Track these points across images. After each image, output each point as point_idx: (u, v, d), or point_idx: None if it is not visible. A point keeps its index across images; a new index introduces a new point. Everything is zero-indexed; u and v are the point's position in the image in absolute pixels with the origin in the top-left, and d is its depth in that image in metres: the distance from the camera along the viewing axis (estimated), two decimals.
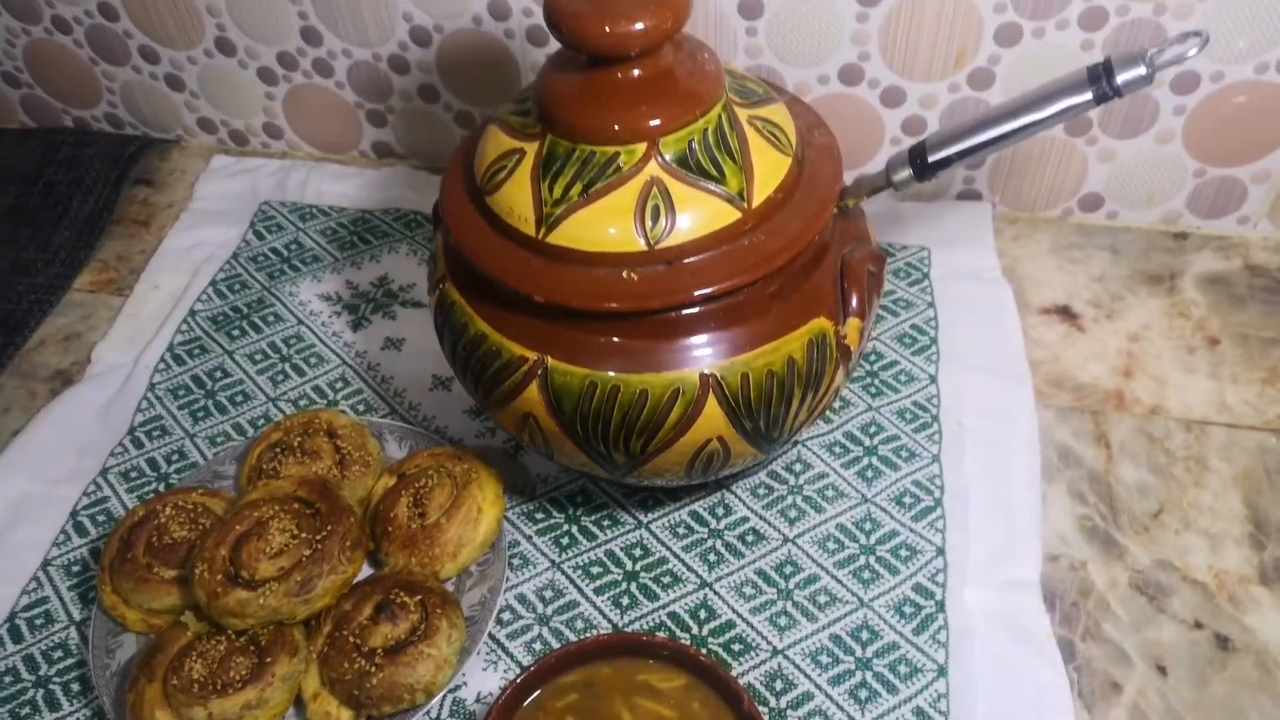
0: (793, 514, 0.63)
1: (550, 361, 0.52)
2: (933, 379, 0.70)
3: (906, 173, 0.53)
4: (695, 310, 0.50)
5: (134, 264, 0.85)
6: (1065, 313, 0.75)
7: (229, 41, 0.87)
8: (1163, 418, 0.68)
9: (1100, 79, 0.47)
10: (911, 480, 0.65)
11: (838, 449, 0.67)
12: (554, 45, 0.79)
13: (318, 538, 0.57)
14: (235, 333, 0.77)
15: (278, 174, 0.91)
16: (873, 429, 0.68)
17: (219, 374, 0.75)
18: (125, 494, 0.68)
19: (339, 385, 0.73)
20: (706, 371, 0.51)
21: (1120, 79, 0.47)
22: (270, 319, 0.78)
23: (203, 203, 0.89)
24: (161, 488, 0.68)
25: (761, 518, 0.64)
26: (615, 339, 0.51)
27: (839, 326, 0.54)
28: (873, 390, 0.70)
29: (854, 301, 0.54)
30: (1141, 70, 0.46)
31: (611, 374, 0.51)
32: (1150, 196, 0.79)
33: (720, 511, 0.64)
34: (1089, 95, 0.48)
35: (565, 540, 0.63)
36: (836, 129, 0.79)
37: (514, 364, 0.53)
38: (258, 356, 0.76)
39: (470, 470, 0.61)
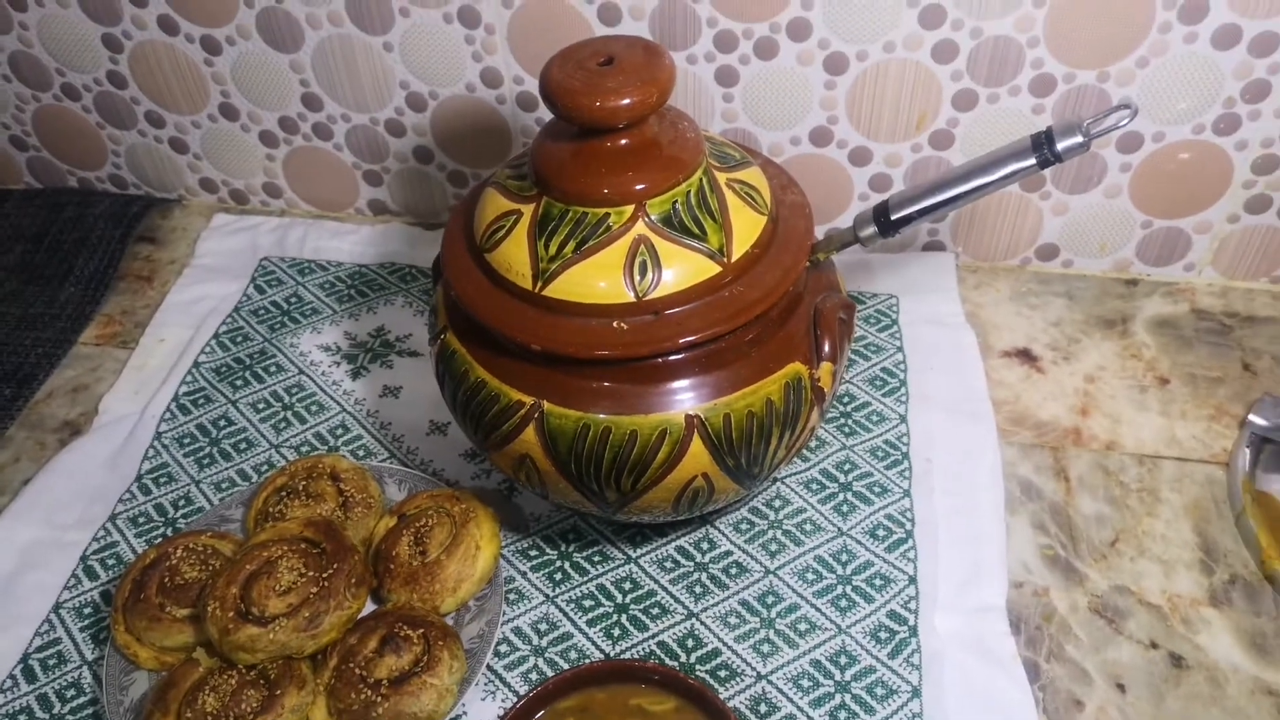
0: (773, 547, 0.67)
1: (546, 405, 0.56)
2: (903, 419, 0.75)
3: (872, 229, 0.58)
4: (680, 356, 0.55)
5: (139, 318, 0.88)
6: (1025, 355, 0.80)
7: (233, 107, 0.92)
8: (1117, 452, 0.73)
9: (1043, 146, 0.53)
10: (884, 514, 0.69)
11: (815, 485, 0.71)
12: (543, 109, 0.84)
13: (324, 575, 0.60)
14: (238, 383, 0.81)
15: (277, 231, 0.95)
16: (847, 466, 0.72)
17: (223, 422, 0.78)
18: (134, 539, 0.71)
19: (339, 431, 0.77)
20: (691, 413, 0.55)
21: (1060, 146, 0.52)
22: (272, 369, 0.82)
23: (205, 259, 0.93)
24: (169, 532, 0.71)
25: (744, 551, 0.67)
26: (607, 384, 0.55)
27: (813, 370, 0.58)
28: (846, 430, 0.74)
29: (826, 346, 0.59)
30: (1079, 138, 0.52)
31: (603, 416, 0.55)
32: (1102, 246, 0.85)
33: (705, 546, 0.68)
34: (1033, 160, 0.53)
35: (558, 575, 0.67)
36: (808, 187, 0.85)
37: (512, 408, 0.57)
38: (260, 405, 0.79)
39: (468, 510, 0.65)
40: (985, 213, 0.84)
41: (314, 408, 0.79)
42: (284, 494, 0.67)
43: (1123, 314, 0.83)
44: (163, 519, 0.72)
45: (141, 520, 0.72)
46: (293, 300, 0.88)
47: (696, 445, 0.55)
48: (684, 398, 0.55)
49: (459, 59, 0.83)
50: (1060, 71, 0.75)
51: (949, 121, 0.79)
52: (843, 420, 0.75)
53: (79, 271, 0.93)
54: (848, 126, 0.81)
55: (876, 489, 0.70)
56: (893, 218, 0.57)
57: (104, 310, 0.90)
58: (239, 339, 0.85)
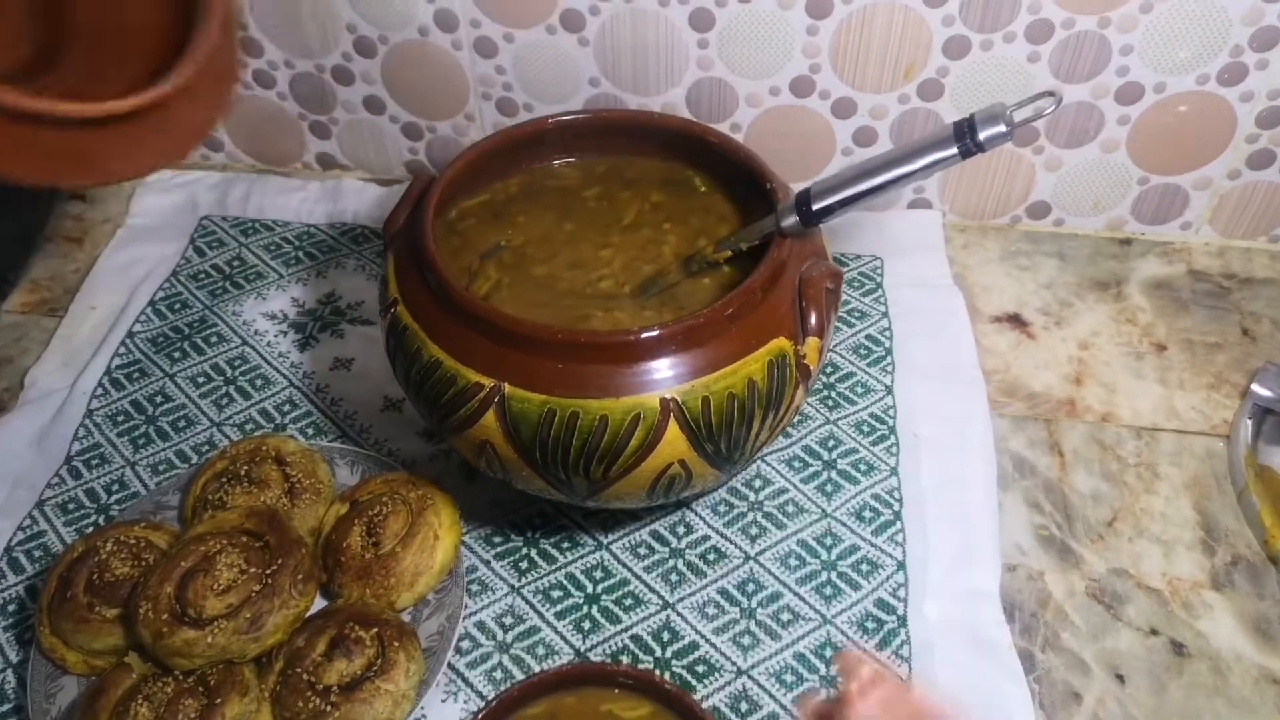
0: (754, 531, 0.63)
1: (507, 388, 0.51)
2: (888, 390, 0.71)
3: (793, 219, 0.54)
4: (654, 334, 0.50)
5: (68, 283, 0.82)
6: (1016, 320, 0.76)
7: None
8: (1114, 425, 0.69)
9: (965, 135, 0.49)
10: (870, 494, 0.65)
11: (797, 464, 0.66)
12: (504, 56, 0.78)
13: (267, 572, 0.56)
14: (176, 355, 0.75)
15: (218, 187, 0.88)
16: (831, 443, 0.68)
17: (160, 399, 0.72)
18: (63, 527, 0.65)
19: (286, 408, 0.71)
20: (667, 396, 0.50)
21: (982, 135, 0.49)
22: (213, 340, 0.76)
23: (139, 219, 0.86)
24: (102, 520, 0.66)
25: (723, 535, 0.63)
26: (573, 364, 0.50)
27: (798, 346, 0.53)
28: (830, 403, 0.70)
29: (813, 319, 0.54)
30: (1001, 128, 0.48)
31: (570, 400, 0.50)
32: (1096, 204, 0.80)
33: (681, 530, 0.63)
34: (954, 150, 0.50)
35: (524, 564, 0.62)
36: (788, 140, 0.80)
37: (470, 391, 0.52)
38: (200, 379, 0.73)
39: (425, 496, 0.60)
40: (974, 168, 0.79)
41: (259, 382, 0.73)
42: (224, 479, 0.62)
43: (1116, 276, 0.79)
44: (94, 505, 0.66)
45: (71, 507, 0.66)
46: (235, 264, 0.82)
47: (672, 431, 0.51)
48: (659, 379, 0.50)
49: (410, 0, 0.77)
50: (1059, 17, 0.70)
51: (939, 70, 0.74)
52: (826, 393, 0.70)
53: (3, 232, 0.85)
54: (831, 75, 0.76)
55: (862, 467, 0.66)
56: (814, 208, 0.53)
57: (30, 276, 0.83)
58: (177, 306, 0.79)
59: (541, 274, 0.58)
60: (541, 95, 0.81)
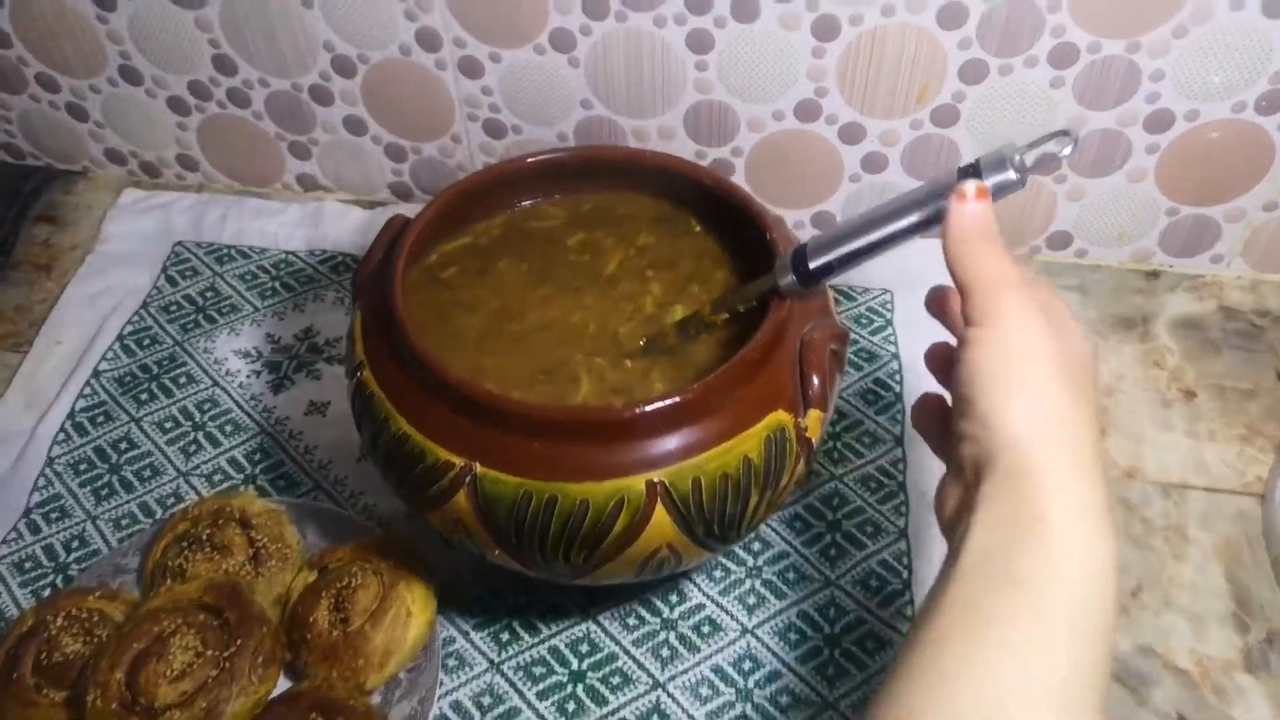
0: (751, 600, 0.59)
1: (479, 468, 0.46)
2: (898, 440, 0.66)
3: (790, 278, 0.48)
4: (639, 412, 0.45)
5: (34, 315, 0.78)
6: None
7: (134, 70, 0.80)
8: (1140, 481, 0.64)
9: None
10: (877, 560, 0.60)
11: (798, 524, 0.62)
12: (490, 77, 0.73)
13: (225, 654, 0.52)
14: (144, 396, 0.71)
15: (194, 209, 0.84)
16: (835, 501, 0.63)
17: (125, 445, 0.68)
18: (18, 588, 0.62)
19: (257, 457, 0.67)
20: (654, 479, 0.46)
21: (989, 183, 0.41)
22: (182, 380, 0.72)
23: (111, 244, 0.82)
24: (59, 581, 0.62)
25: (718, 604, 0.59)
26: (551, 443, 0.46)
27: (799, 419, 0.49)
28: (834, 455, 0.65)
29: (815, 387, 0.49)
30: (1010, 175, 0.41)
31: (547, 483, 0.46)
32: (1121, 235, 0.75)
33: (674, 599, 0.59)
34: None
35: (505, 636, 0.58)
36: (793, 165, 0.75)
37: (439, 469, 0.47)
38: (168, 424, 0.69)
39: (398, 565, 0.56)
40: None
41: (229, 428, 0.69)
42: (185, 544, 0.58)
43: (1143, 312, 0.74)
44: (52, 564, 0.63)
45: (28, 565, 0.63)
46: (209, 295, 0.78)
47: (660, 515, 0.46)
48: (644, 460, 0.46)
49: (389, 18, 0.72)
50: (1084, 41, 0.65)
51: (954, 95, 0.69)
52: (830, 444, 0.66)
53: None
54: (838, 99, 0.71)
55: (868, 529, 0.62)
56: (811, 266, 0.47)
57: None
58: (146, 342, 0.75)
59: (514, 331, 0.54)
60: (531, 117, 0.76)
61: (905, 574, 0.59)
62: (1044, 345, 0.39)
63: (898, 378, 0.70)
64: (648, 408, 0.45)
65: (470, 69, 0.74)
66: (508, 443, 0.46)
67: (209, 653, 0.52)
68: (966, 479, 0.40)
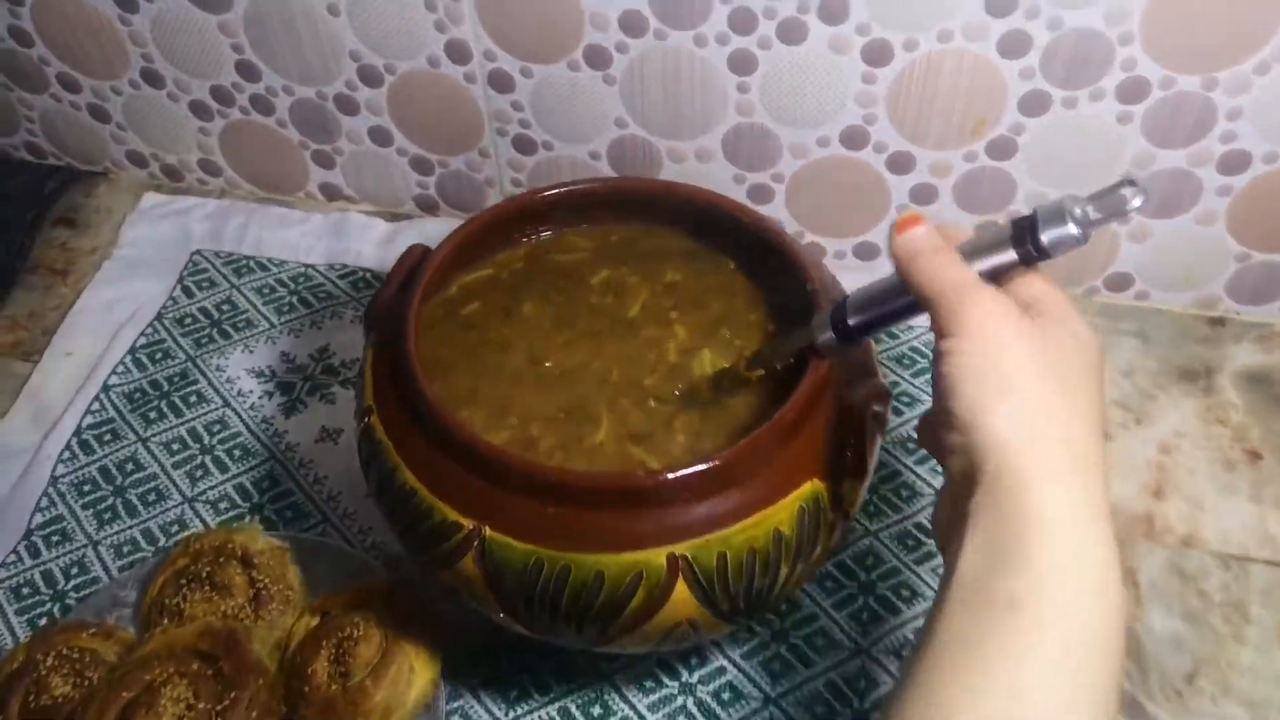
0: (776, 666, 0.55)
1: (488, 532, 0.43)
2: (939, 495, 0.62)
3: (828, 334, 0.44)
4: (661, 480, 0.42)
5: (47, 323, 0.76)
6: None
7: (156, 73, 0.77)
8: (1198, 550, 0.60)
9: (1025, 238, 0.38)
10: (912, 628, 0.56)
11: (829, 584, 0.58)
12: (521, 92, 0.70)
13: (218, 708, 0.49)
14: (152, 415, 0.68)
15: (214, 216, 0.82)
16: (869, 560, 0.59)
17: (130, 466, 0.66)
18: (14, 616, 0.59)
19: (265, 485, 0.65)
20: (676, 553, 0.42)
21: (1046, 238, 0.37)
22: (192, 400, 0.69)
23: (129, 249, 0.80)
24: (56, 609, 0.60)
25: (740, 669, 0.55)
26: (566, 510, 0.43)
27: (835, 487, 0.45)
28: (870, 509, 0.62)
29: (853, 454, 0.46)
30: (1071, 230, 0.36)
31: (560, 552, 0.42)
32: (1186, 278, 0.71)
33: (694, 660, 0.56)
34: (1013, 255, 0.38)
35: (515, 693, 0.55)
36: (836, 195, 0.71)
37: (447, 529, 0.44)
38: (175, 446, 0.67)
39: (402, 618, 0.53)
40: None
41: (237, 453, 0.66)
42: (184, 581, 0.56)
43: (1207, 364, 0.69)
44: (51, 591, 0.60)
45: (26, 592, 0.60)
46: (225, 308, 0.75)
47: (681, 591, 0.43)
48: (665, 531, 0.42)
49: (419, 28, 0.69)
50: (1156, 75, 0.60)
51: (1013, 128, 0.65)
52: (866, 497, 0.62)
53: None
54: (888, 127, 0.67)
55: (904, 592, 0.58)
56: (851, 323, 0.43)
57: (7, 311, 0.77)
58: (158, 356, 0.72)
59: (534, 374, 0.51)
60: (562, 134, 0.73)
61: None
62: (1021, 344, 0.37)
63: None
64: (671, 475, 0.42)
65: (501, 83, 0.71)
66: (519, 505, 0.43)
67: (201, 705, 0.49)
68: (958, 493, 0.38)
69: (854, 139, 0.68)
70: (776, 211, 0.73)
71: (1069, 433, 0.36)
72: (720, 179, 0.72)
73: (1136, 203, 0.37)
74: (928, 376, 0.68)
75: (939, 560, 0.58)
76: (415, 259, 0.53)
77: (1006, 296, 0.38)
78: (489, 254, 0.56)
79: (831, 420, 0.46)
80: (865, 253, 0.75)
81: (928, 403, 0.66)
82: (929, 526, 0.61)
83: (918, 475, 0.63)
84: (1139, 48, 0.59)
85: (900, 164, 0.68)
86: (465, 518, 0.44)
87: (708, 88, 0.67)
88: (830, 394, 0.46)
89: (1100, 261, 0.71)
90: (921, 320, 0.70)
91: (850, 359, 0.48)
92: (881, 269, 0.74)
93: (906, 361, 0.70)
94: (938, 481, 0.63)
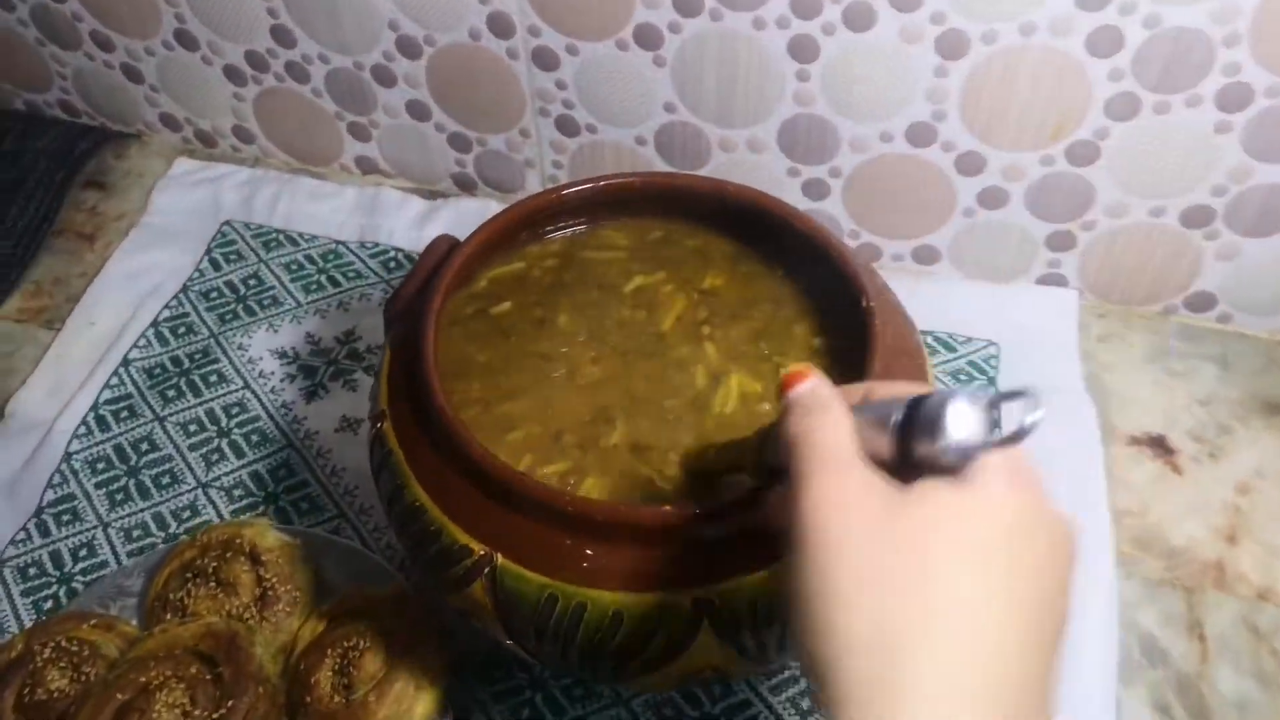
0: (806, 704, 0.52)
1: (500, 560, 0.40)
2: None
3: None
4: (689, 515, 0.38)
5: (71, 290, 0.74)
6: (1160, 446, 0.62)
7: (190, 34, 0.74)
8: (1272, 604, 0.55)
9: (900, 431, 0.31)
10: None
11: None
12: (565, 70, 0.66)
13: (215, 716, 0.47)
14: (170, 393, 0.66)
15: (246, 185, 0.79)
16: None
17: (146, 446, 0.64)
18: (20, 597, 0.58)
19: (281, 474, 0.62)
20: (701, 596, 0.39)
21: (917, 451, 0.30)
22: (212, 379, 0.67)
23: (158, 217, 0.78)
24: (62, 593, 0.58)
25: (767, 705, 0.52)
26: (585, 543, 0.39)
27: None
28: None
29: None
30: (941, 444, 0.29)
31: (576, 588, 0.39)
32: (1276, 303, 0.65)
33: (717, 690, 0.52)
34: (885, 444, 0.31)
35: (526, 711, 0.52)
36: (896, 194, 0.67)
37: (456, 553, 0.41)
38: (193, 427, 0.64)
39: (411, 630, 0.50)
40: (1127, 241, 0.65)
41: (255, 438, 0.64)
42: (190, 575, 0.53)
43: None
44: (58, 573, 0.59)
45: (33, 573, 0.59)
46: (251, 283, 0.72)
47: (706, 636, 0.39)
48: (691, 572, 0.39)
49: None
50: (1263, 82, 0.55)
51: (1097, 132, 0.59)
52: None
53: (10, 223, 0.78)
54: (958, 124, 0.62)
55: None
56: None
57: (33, 276, 0.75)
58: (181, 330, 0.70)
59: (553, 383, 0.47)
60: (608, 117, 0.69)
61: None
62: (872, 545, 0.28)
63: None
64: (695, 512, 0.38)
65: (545, 60, 0.67)
66: (535, 533, 0.40)
67: (197, 713, 0.47)
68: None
69: (920, 135, 0.63)
70: (832, 208, 0.69)
71: (932, 642, 0.27)
72: (773, 172, 0.67)
73: (1027, 420, 0.29)
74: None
75: None
76: (441, 253, 0.49)
77: (879, 479, 0.30)
78: (520, 246, 0.53)
79: None
80: (924, 256, 0.70)
81: None
82: None
83: None
84: (1245, 50, 0.54)
85: (969, 165, 0.63)
86: (476, 542, 0.40)
87: (765, 74, 0.62)
88: None
89: (1182, 278, 0.66)
90: (979, 333, 0.67)
91: (896, 382, 0.44)
92: (942, 275, 0.70)
93: (963, 377, 0.65)
94: None
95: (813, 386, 0.33)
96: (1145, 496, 0.60)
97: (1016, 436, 0.29)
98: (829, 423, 0.31)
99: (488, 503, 0.40)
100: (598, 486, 0.43)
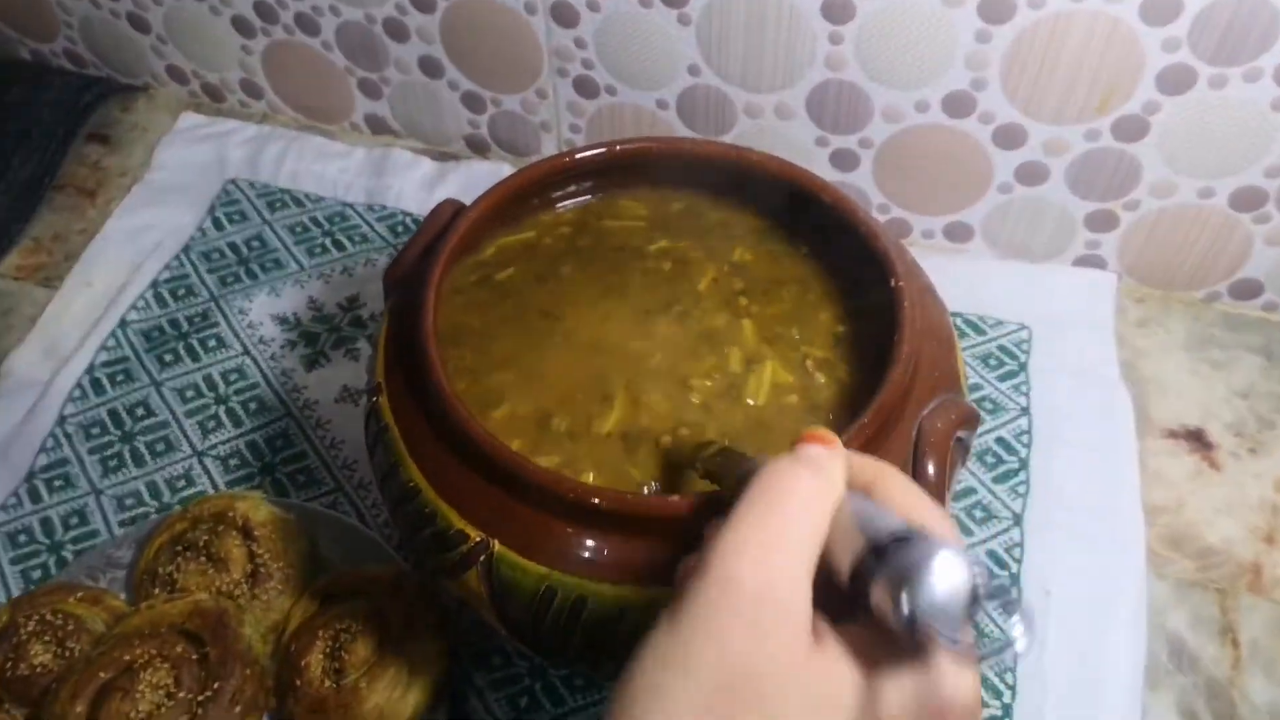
0: None
1: (497, 547, 0.38)
2: (1016, 520, 0.55)
3: None
4: (703, 502, 0.36)
5: (70, 247, 0.72)
6: (1197, 439, 0.59)
7: None
8: None
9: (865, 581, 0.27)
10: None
11: None
12: (585, 28, 0.63)
13: (199, 698, 0.45)
14: (168, 357, 0.64)
15: (253, 142, 0.76)
16: None
17: (141, 411, 0.62)
18: (9, 564, 0.56)
19: (279, 444, 0.60)
20: None
21: (874, 596, 0.27)
22: (211, 343, 0.65)
23: (161, 172, 0.75)
24: (52, 562, 0.56)
25: None
26: (588, 532, 0.37)
27: None
28: None
29: (931, 483, 0.39)
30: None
31: (576, 579, 0.37)
32: None
33: None
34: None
35: (524, 701, 0.50)
36: (930, 166, 0.63)
37: (451, 538, 0.39)
38: (189, 393, 0.62)
39: (407, 614, 0.48)
40: (1172, 222, 0.61)
41: (253, 405, 0.62)
42: (180, 549, 0.51)
43: None
44: (48, 541, 0.57)
45: (23, 540, 0.57)
46: (254, 244, 0.70)
47: None
48: None
49: None
50: None
51: (1146, 106, 0.56)
52: None
53: (13, 175, 0.75)
54: (998, 94, 0.58)
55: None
56: None
57: (33, 232, 0.73)
58: (180, 292, 0.68)
59: (556, 351, 0.44)
60: (629, 78, 0.65)
61: (1007, 696, 0.49)
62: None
63: (1025, 439, 0.58)
64: (710, 498, 0.36)
65: (564, 16, 0.63)
66: (534, 520, 0.37)
67: (181, 694, 0.45)
68: None
69: (958, 105, 0.59)
70: (861, 181, 0.65)
71: None
72: (800, 140, 0.64)
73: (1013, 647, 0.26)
74: (1017, 381, 0.61)
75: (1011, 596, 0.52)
76: (445, 219, 0.47)
77: (805, 602, 0.27)
78: (531, 214, 0.50)
79: (909, 442, 0.39)
80: (957, 234, 0.66)
81: (1013, 410, 0.59)
82: (1003, 557, 0.54)
83: (994, 495, 0.56)
84: None
85: (1009, 137, 0.60)
86: (472, 527, 0.38)
87: (795, 35, 0.59)
88: (910, 410, 0.39)
89: (1227, 263, 0.62)
90: (1010, 315, 0.64)
91: (933, 376, 0.41)
92: (974, 254, 0.67)
93: (993, 362, 0.62)
94: (1017, 504, 0.56)
95: (830, 454, 0.29)
96: (1180, 492, 0.57)
97: (984, 652, 0.25)
98: (818, 490, 0.28)
99: (486, 486, 0.38)
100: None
